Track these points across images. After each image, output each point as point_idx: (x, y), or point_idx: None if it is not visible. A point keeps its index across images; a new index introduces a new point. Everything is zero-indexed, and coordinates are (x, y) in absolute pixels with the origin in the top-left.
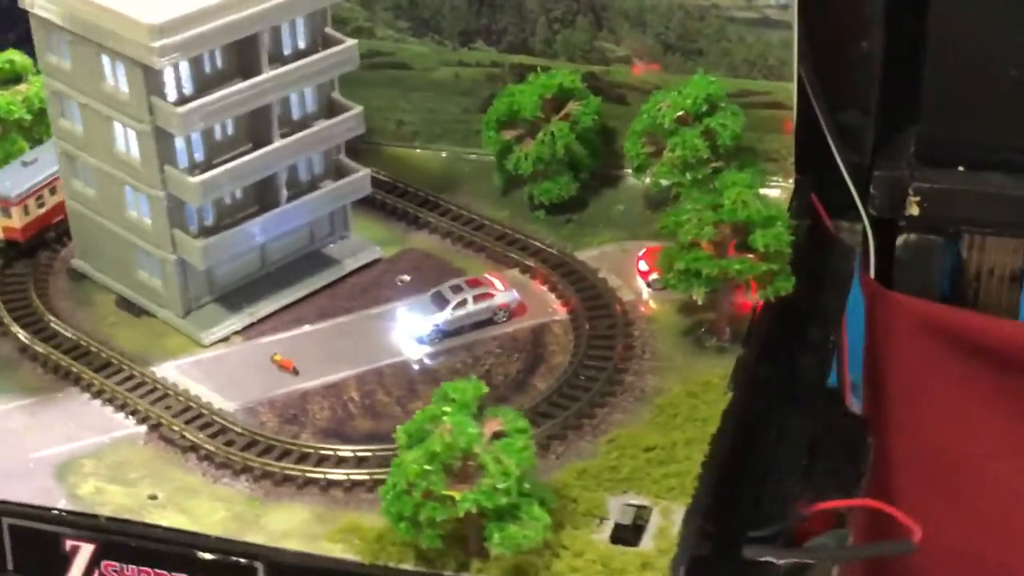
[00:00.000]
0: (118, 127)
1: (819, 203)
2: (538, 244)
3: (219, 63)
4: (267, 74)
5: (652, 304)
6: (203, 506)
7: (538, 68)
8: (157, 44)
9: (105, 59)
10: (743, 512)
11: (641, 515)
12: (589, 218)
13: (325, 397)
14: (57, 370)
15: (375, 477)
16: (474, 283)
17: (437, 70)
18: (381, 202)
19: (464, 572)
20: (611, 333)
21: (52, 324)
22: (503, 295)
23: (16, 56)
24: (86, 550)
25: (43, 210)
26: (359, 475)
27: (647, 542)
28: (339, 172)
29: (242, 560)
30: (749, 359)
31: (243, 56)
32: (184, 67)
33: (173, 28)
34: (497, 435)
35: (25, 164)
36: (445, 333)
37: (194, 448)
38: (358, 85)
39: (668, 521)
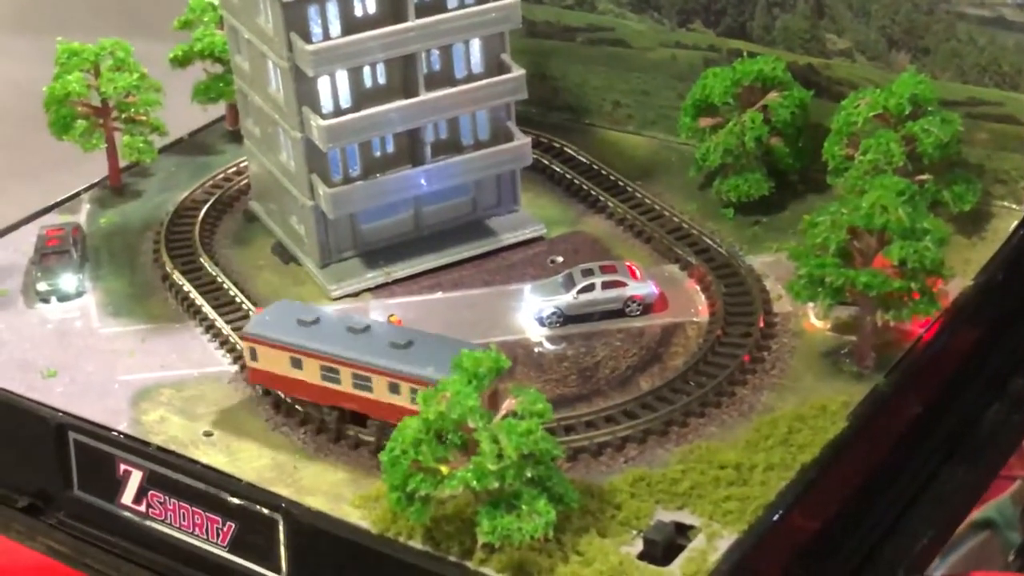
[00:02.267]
0: (270, 65)
1: None
2: (710, 242)
3: (366, 8)
4: (411, 23)
5: (811, 320)
6: (250, 451)
7: (744, 54)
8: (310, 64)
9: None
10: (829, 561)
11: (680, 535)
12: (779, 222)
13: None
14: (184, 302)
15: None
16: (608, 269)
17: (655, 50)
18: (568, 182)
19: (466, 560)
20: (741, 343)
21: (200, 259)
22: (637, 286)
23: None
24: (136, 476)
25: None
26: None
27: (676, 565)
28: (505, 139)
29: (264, 510)
30: (890, 392)
31: (387, 4)
32: (331, 7)
33: None
34: (513, 415)
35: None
36: (568, 317)
37: (268, 393)
38: (576, 60)
39: (711, 547)
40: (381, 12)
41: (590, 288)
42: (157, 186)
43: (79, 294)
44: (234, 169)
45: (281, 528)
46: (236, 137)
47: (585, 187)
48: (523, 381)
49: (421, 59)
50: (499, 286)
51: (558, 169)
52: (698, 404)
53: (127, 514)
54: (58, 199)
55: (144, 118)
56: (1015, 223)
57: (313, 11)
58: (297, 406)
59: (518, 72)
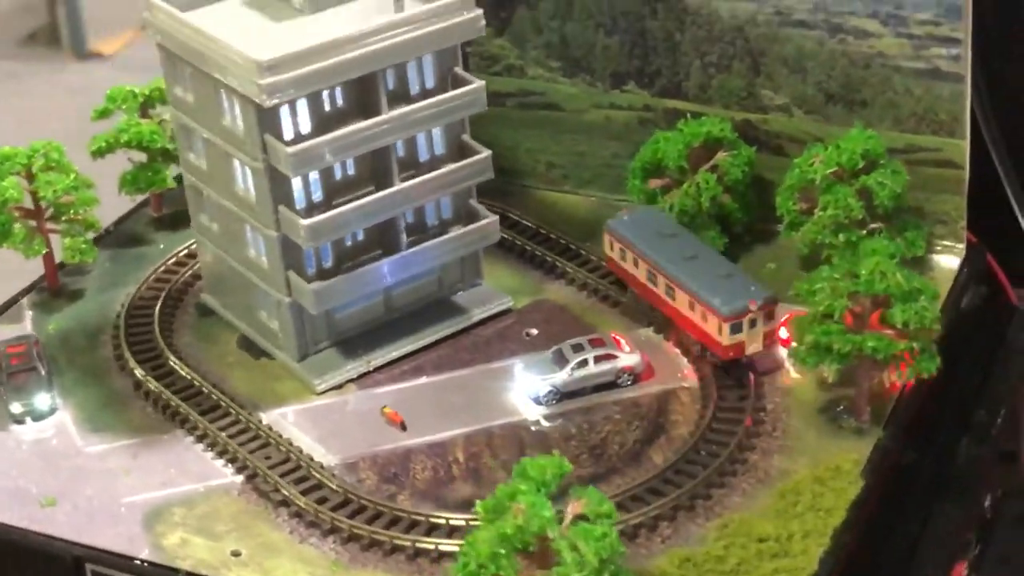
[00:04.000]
0: (236, 164)
1: (999, 270)
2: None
3: (339, 101)
4: (387, 114)
5: (791, 375)
6: (284, 567)
7: (688, 115)
8: (267, 81)
9: (223, 94)
10: None
11: None
12: None
13: (429, 456)
14: (166, 410)
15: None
16: (597, 343)
17: (588, 112)
18: (520, 248)
19: None
20: (740, 406)
21: (170, 362)
22: (628, 357)
23: (163, 84)
24: None
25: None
26: (449, 545)
27: None
28: (469, 217)
29: None
30: (890, 445)
31: (364, 95)
32: (302, 105)
33: (285, 65)
34: (580, 518)
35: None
36: (563, 394)
37: (285, 503)
38: (507, 125)
39: None
40: (348, 104)
41: (583, 364)
42: (97, 283)
43: (52, 411)
44: (173, 261)
45: None
46: (163, 224)
47: (539, 253)
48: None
49: (394, 150)
50: (481, 365)
51: (506, 235)
52: (717, 475)
53: None
54: None
55: (81, 218)
56: (958, 260)
57: (285, 111)
58: (320, 515)
59: (485, 153)
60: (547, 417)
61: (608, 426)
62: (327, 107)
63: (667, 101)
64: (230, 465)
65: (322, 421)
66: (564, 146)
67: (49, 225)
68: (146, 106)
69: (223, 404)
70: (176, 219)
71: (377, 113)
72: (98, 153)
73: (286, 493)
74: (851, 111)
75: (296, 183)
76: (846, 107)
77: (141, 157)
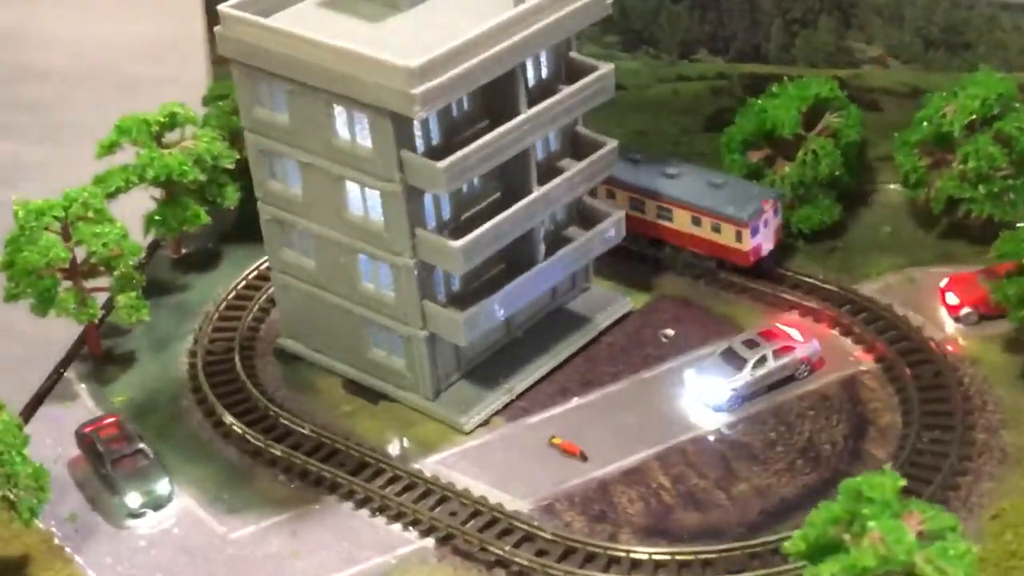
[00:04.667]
0: (353, 188)
1: None
2: (810, 280)
3: (466, 105)
4: (526, 113)
5: (968, 343)
6: None
7: (785, 77)
8: (418, 90)
9: (339, 110)
10: None
11: None
12: (855, 244)
13: (629, 486)
14: (304, 476)
15: None
16: (769, 335)
17: (652, 87)
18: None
19: None
20: (941, 383)
21: (283, 420)
22: (805, 347)
23: (179, 108)
24: None
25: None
26: None
27: None
28: (584, 217)
29: None
30: None
31: (491, 95)
32: (431, 114)
33: (433, 70)
34: (919, 535)
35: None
36: (744, 397)
37: (502, 563)
38: None
39: None
40: (474, 107)
41: (763, 361)
42: (144, 342)
43: (172, 496)
44: (225, 306)
45: None
46: (188, 266)
47: (635, 246)
48: (751, 479)
49: (533, 153)
50: (630, 376)
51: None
52: (956, 461)
53: None
54: (38, 388)
55: (128, 271)
56: None
57: (417, 123)
58: (549, 571)
59: (612, 144)
60: (731, 425)
61: (807, 425)
62: (455, 113)
63: (744, 66)
64: (412, 529)
65: (487, 463)
66: (626, 126)
67: (88, 284)
68: (160, 135)
69: (371, 460)
70: (200, 259)
71: (514, 113)
72: (114, 194)
73: (498, 551)
74: (954, 55)
75: (428, 202)
76: (948, 52)
77: (150, 191)
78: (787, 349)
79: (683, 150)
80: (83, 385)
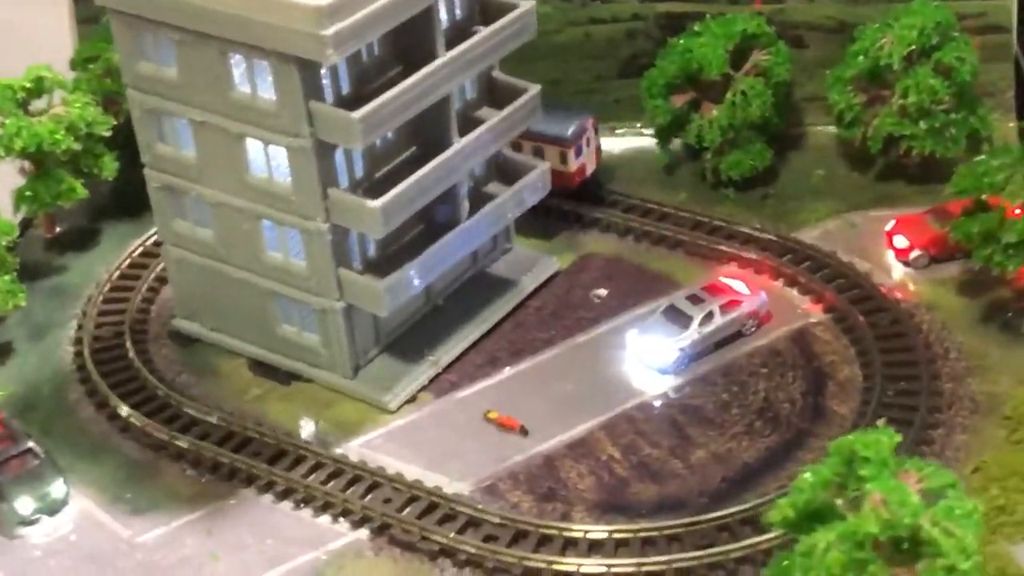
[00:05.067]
0: (254, 146)
1: None
2: (745, 230)
3: (376, 50)
4: (445, 56)
5: (920, 288)
6: None
7: (707, 15)
8: (330, 31)
9: (236, 59)
10: None
11: None
12: (788, 190)
13: (577, 460)
14: (215, 468)
15: (706, 560)
16: (714, 290)
17: (563, 31)
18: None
19: None
20: (899, 331)
21: (185, 408)
22: (752, 300)
23: (46, 72)
24: None
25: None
26: (684, 561)
27: None
28: (503, 173)
29: None
30: None
31: (403, 38)
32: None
33: (344, 8)
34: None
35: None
36: (692, 357)
37: (447, 552)
38: None
39: None
40: (385, 52)
41: (710, 317)
42: (23, 331)
43: (67, 500)
44: (109, 288)
45: None
46: (63, 246)
47: (554, 202)
48: (707, 444)
49: (453, 101)
50: (564, 341)
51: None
52: (927, 413)
53: None
54: None
55: (1, 252)
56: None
57: (325, 71)
58: (502, 557)
59: (534, 88)
60: (679, 387)
61: (761, 383)
62: (364, 58)
63: (660, 5)
64: (342, 520)
65: (417, 443)
66: (537, 75)
67: None
68: (26, 103)
69: (288, 447)
70: (77, 238)
71: (431, 57)
72: None
73: (441, 539)
74: None
75: (339, 159)
76: None
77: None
78: (734, 304)
79: (598, 98)
80: None
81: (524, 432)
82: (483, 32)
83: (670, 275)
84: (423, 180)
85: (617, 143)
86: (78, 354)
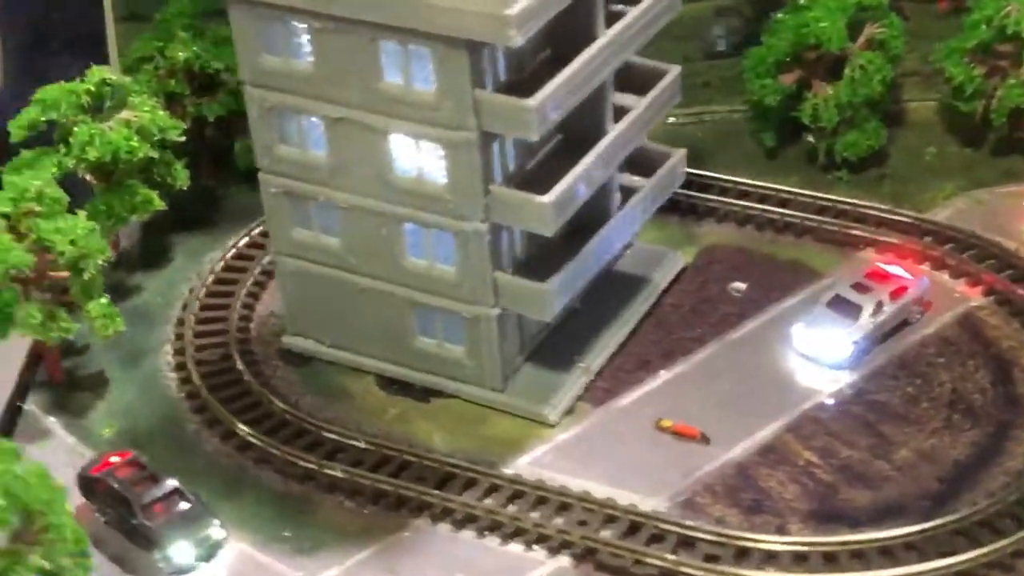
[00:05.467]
0: (402, 142)
1: None
2: (875, 212)
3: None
4: (606, 36)
5: None
6: None
7: None
8: (515, 10)
9: (388, 47)
10: None
11: None
12: (902, 169)
13: (772, 467)
14: (378, 499)
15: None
16: (878, 277)
17: None
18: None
19: None
20: None
21: (325, 433)
22: (917, 286)
23: (109, 74)
24: None
25: None
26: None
27: None
28: (632, 161)
29: None
30: None
31: (559, 19)
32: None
33: None
34: None
35: None
36: (865, 350)
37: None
38: None
39: None
40: (537, 34)
41: (880, 306)
42: (110, 359)
43: (225, 542)
44: (199, 306)
45: None
46: (133, 264)
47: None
48: (908, 442)
49: (610, 84)
50: (716, 340)
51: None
52: None
53: None
54: None
55: (97, 274)
56: None
57: (486, 53)
58: None
59: (675, 70)
60: (855, 383)
61: (943, 374)
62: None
63: None
64: (537, 547)
65: (591, 458)
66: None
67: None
68: (92, 108)
69: (455, 470)
70: (145, 255)
71: (589, 38)
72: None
73: (659, 563)
74: None
75: (496, 153)
76: None
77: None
78: (901, 291)
79: (686, 82)
80: (52, 418)
81: (706, 440)
82: (638, 8)
83: (806, 263)
84: (587, 172)
85: (709, 129)
86: (185, 380)
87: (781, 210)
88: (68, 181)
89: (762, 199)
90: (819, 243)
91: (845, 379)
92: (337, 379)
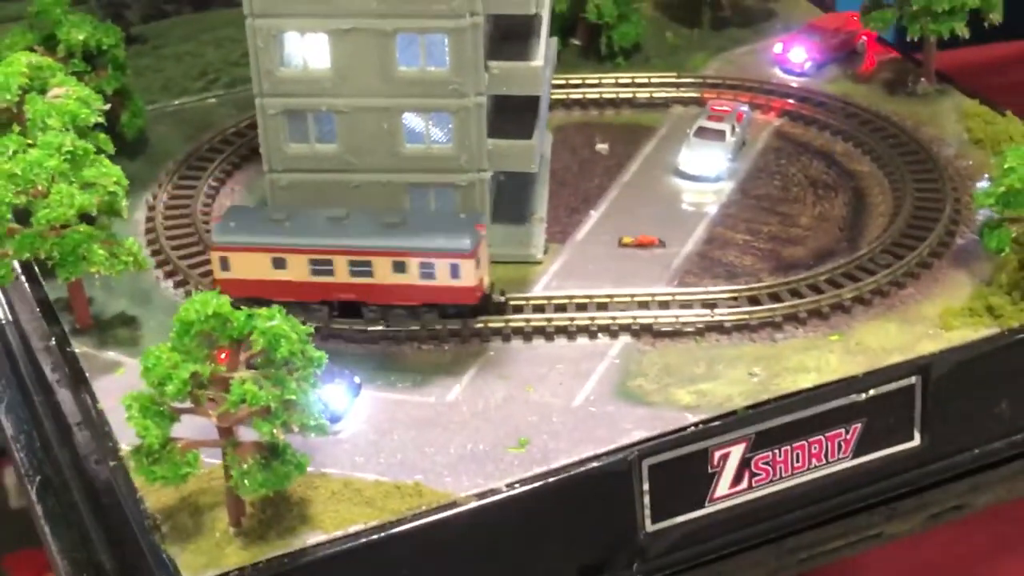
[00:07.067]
0: (406, 38)
1: None
2: (670, 79)
3: None
4: None
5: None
6: (821, 359)
7: None
8: None
9: None
10: None
11: None
12: (658, 50)
13: (722, 249)
14: (449, 339)
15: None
16: (721, 111)
17: None
18: None
19: None
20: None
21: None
22: (746, 113)
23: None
24: (736, 453)
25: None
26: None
27: None
28: None
29: (899, 384)
30: None
31: None
32: None
33: None
34: None
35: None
36: (733, 163)
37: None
38: None
39: None
40: None
41: (733, 130)
42: (122, 294)
43: None
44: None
45: (918, 389)
46: None
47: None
48: (804, 212)
49: None
50: (613, 186)
51: None
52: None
53: (721, 507)
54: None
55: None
56: None
57: None
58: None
59: None
60: (737, 188)
61: (791, 168)
62: None
63: None
64: (601, 335)
65: (590, 274)
66: None
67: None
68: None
69: (500, 301)
70: None
71: None
72: None
73: (700, 321)
74: None
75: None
76: None
77: None
78: (740, 116)
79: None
80: (111, 352)
81: (662, 244)
82: None
83: (639, 123)
84: (545, 44)
85: None
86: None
87: (600, 89)
88: None
89: (580, 86)
90: (638, 108)
91: (729, 186)
92: None
